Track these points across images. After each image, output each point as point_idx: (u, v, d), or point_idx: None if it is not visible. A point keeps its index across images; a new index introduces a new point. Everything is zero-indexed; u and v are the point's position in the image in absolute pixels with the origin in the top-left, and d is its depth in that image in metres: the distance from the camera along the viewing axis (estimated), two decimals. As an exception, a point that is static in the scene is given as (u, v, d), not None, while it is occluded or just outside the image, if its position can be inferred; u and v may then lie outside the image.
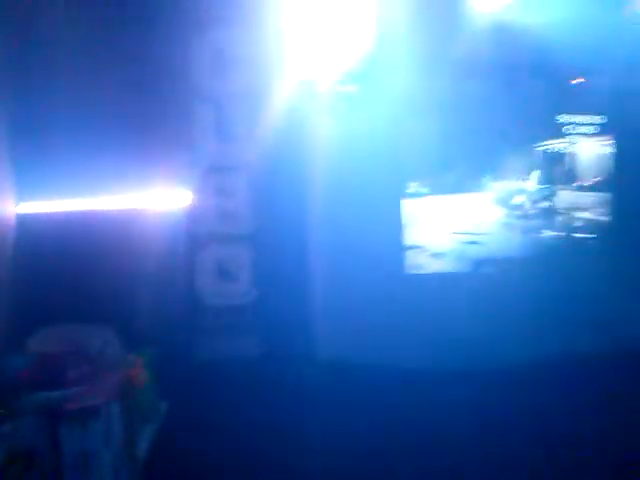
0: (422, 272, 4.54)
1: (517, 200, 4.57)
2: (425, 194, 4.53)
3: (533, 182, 4.53)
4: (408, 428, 3.52)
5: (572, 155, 4.47)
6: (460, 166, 4.44)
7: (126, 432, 2.81)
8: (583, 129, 4.41)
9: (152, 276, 4.19)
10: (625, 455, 2.97)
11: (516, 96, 4.16)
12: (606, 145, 4.44)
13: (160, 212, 4.30)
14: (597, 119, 4.38)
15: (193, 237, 4.35)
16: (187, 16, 4.17)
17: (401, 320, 4.20)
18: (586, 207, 4.49)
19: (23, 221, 4.14)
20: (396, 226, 4.54)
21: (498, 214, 4.53)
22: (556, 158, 4.49)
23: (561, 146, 4.44)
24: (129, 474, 2.73)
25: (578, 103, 4.30)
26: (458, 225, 4.55)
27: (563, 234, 4.56)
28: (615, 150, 4.45)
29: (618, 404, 3.45)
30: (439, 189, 4.50)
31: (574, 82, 4.30)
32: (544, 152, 4.47)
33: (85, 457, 2.48)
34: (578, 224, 4.53)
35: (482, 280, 4.49)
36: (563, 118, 4.39)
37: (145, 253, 4.17)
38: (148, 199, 4.28)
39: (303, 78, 4.23)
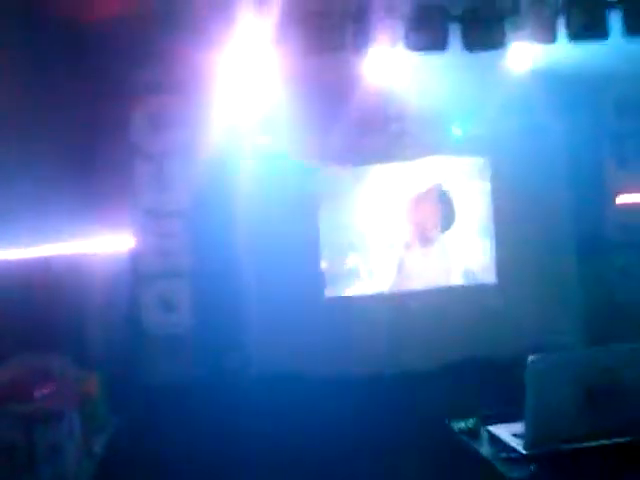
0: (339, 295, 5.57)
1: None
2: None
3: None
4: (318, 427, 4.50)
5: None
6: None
7: (84, 433, 3.69)
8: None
9: (101, 310, 5.09)
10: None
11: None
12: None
13: (106, 254, 5.20)
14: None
15: (137, 275, 5.27)
16: (128, 85, 5.19)
17: (319, 339, 5.20)
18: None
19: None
20: (315, 256, 5.57)
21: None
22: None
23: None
24: (88, 466, 3.59)
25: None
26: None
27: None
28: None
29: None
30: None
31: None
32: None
33: (54, 450, 3.35)
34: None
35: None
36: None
37: (94, 291, 5.07)
38: (95, 243, 5.19)
39: (228, 134, 5.26)
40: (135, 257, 5.19)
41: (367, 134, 5.29)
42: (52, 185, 4.91)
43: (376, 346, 5.12)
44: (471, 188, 5.57)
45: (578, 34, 2.22)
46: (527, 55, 4.57)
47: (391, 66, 4.37)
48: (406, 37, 2.15)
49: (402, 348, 5.15)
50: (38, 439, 3.33)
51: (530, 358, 2.21)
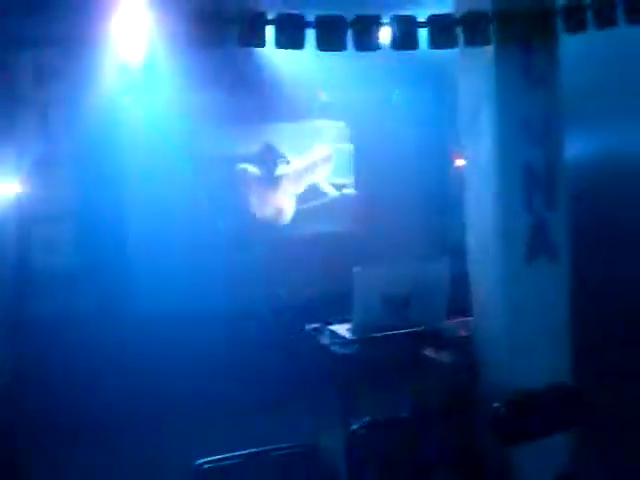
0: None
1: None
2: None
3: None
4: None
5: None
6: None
7: None
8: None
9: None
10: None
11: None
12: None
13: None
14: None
15: (24, 219, 5.84)
16: (13, 37, 5.65)
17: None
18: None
19: None
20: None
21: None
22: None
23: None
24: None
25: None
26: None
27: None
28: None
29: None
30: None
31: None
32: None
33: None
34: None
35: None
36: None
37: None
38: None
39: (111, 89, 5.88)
40: (22, 202, 5.78)
41: (245, 97, 6.17)
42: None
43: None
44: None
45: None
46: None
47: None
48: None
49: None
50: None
51: (354, 269, 3.32)
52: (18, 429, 4.67)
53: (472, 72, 3.46)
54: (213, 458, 2.71)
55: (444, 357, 3.42)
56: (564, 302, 3.46)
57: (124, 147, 6.07)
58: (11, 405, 4.76)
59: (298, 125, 6.64)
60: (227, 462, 2.73)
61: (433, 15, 3.19)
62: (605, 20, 3.37)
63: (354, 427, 2.93)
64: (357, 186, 6.82)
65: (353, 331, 3.49)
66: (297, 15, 3.14)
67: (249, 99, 6.28)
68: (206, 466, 2.67)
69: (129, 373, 5.38)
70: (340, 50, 3.18)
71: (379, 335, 3.44)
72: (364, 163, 6.78)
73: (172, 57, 5.37)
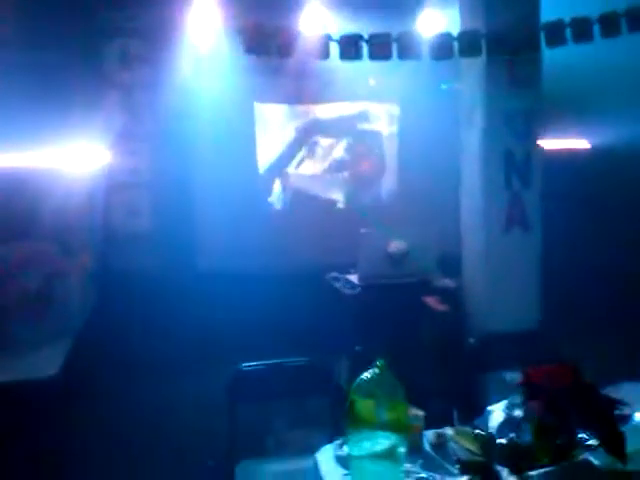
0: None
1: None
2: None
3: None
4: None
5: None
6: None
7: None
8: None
9: (81, 211, 7.03)
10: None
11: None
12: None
13: (85, 168, 7.10)
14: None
15: (109, 185, 7.21)
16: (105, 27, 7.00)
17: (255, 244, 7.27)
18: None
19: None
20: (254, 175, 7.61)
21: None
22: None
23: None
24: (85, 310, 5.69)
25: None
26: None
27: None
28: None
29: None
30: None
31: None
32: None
33: (66, 297, 5.47)
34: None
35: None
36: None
37: (76, 196, 6.99)
38: (76, 158, 7.07)
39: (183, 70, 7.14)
40: (108, 171, 7.17)
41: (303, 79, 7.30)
42: (38, 108, 6.75)
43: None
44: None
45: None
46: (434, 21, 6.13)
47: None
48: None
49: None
50: (56, 288, 5.39)
51: (361, 230, 4.46)
52: (95, 360, 5.95)
53: (468, 77, 4.50)
54: (249, 364, 3.87)
55: (435, 304, 4.53)
56: (535, 265, 4.48)
57: (194, 125, 7.29)
58: (90, 339, 6.10)
59: (348, 105, 7.72)
60: (258, 368, 3.93)
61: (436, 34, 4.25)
62: (582, 35, 4.33)
63: (357, 348, 4.04)
64: (400, 166, 7.83)
65: (359, 278, 4.66)
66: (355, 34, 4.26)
67: (304, 80, 7.38)
68: (244, 368, 3.85)
69: (191, 320, 6.62)
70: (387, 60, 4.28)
71: (379, 282, 4.59)
72: (408, 145, 7.80)
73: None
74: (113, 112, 7.19)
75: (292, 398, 3.91)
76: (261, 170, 7.46)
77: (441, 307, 4.43)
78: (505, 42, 4.19)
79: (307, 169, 7.57)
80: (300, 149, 7.57)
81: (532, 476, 2.45)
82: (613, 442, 2.40)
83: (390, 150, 7.81)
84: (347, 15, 6.08)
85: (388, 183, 7.75)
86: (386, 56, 4.21)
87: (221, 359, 5.45)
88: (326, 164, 7.57)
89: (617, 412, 2.52)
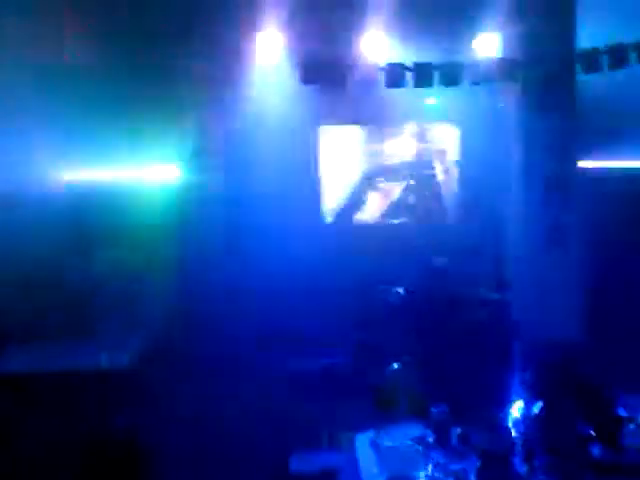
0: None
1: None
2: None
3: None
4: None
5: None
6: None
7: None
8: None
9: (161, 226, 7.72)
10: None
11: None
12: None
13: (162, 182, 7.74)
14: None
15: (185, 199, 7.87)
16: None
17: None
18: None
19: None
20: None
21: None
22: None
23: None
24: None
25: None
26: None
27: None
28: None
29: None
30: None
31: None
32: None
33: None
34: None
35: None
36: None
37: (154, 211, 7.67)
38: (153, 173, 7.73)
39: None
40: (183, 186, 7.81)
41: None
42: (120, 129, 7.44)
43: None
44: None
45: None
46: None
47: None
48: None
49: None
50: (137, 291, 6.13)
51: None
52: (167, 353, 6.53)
53: (509, 102, 4.87)
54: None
55: (480, 315, 4.91)
56: (575, 282, 4.79)
57: (263, 143, 7.80)
58: (164, 336, 6.67)
59: (408, 126, 8.11)
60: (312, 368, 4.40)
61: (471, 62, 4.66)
62: (618, 62, 4.63)
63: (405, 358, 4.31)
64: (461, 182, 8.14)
65: (406, 291, 5.10)
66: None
67: (367, 103, 7.82)
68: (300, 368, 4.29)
69: (255, 323, 7.02)
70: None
71: (424, 294, 5.01)
72: (468, 161, 8.11)
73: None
74: (187, 131, 7.80)
75: (341, 397, 4.34)
76: (323, 194, 7.93)
77: (482, 316, 4.79)
78: (541, 69, 4.52)
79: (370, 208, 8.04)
80: (365, 193, 8.02)
81: (539, 466, 2.83)
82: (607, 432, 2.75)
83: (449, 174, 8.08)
84: (408, 44, 6.45)
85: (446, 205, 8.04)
86: (428, 84, 4.63)
87: (282, 359, 5.99)
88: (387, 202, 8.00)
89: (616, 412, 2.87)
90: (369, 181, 7.92)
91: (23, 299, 5.78)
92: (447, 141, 8.09)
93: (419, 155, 7.95)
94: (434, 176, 7.85)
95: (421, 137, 8.06)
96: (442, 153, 8.04)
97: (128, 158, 7.37)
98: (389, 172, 7.94)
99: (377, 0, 6.24)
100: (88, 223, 7.08)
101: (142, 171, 7.58)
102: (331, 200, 8.00)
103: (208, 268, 7.30)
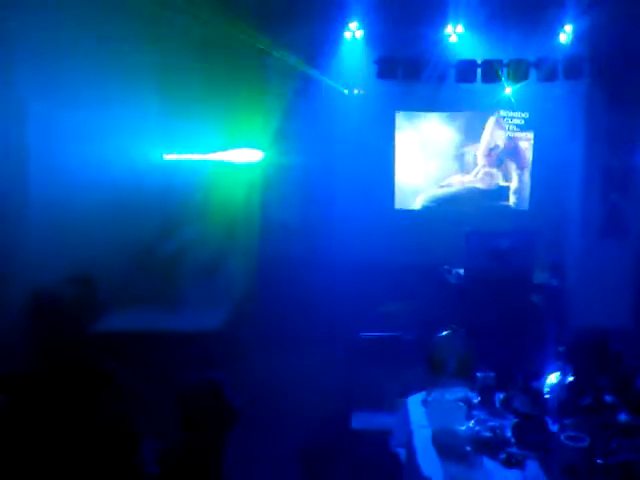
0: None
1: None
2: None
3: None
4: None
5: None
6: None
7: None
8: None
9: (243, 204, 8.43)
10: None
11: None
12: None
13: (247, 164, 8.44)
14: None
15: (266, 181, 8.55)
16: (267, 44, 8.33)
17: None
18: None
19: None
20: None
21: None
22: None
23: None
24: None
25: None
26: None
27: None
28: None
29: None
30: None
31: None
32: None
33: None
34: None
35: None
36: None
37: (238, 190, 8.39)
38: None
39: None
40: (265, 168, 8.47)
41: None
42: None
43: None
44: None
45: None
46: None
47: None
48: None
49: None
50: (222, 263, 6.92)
51: (465, 230, 5.38)
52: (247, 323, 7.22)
53: (571, 97, 5.24)
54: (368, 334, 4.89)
55: (536, 299, 5.33)
56: (629, 270, 5.15)
57: (339, 129, 8.34)
58: (246, 307, 7.36)
59: (485, 113, 8.46)
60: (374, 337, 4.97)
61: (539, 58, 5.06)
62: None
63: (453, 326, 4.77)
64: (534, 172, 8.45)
65: (465, 271, 5.56)
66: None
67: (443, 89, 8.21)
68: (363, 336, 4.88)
69: (324, 301, 7.62)
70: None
71: (483, 276, 5.45)
72: (542, 151, 8.41)
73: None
74: (271, 116, 8.43)
75: (403, 365, 4.87)
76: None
77: (535, 299, 5.21)
78: (608, 65, 4.88)
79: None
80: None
81: (567, 424, 3.30)
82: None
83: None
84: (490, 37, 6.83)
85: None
86: (493, 79, 5.06)
87: (347, 330, 6.57)
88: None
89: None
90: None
91: (123, 270, 6.56)
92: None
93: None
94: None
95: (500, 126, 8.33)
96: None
97: (217, 143, 8.03)
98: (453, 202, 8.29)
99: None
100: (179, 200, 7.75)
101: (229, 154, 8.21)
102: (404, 186, 8.43)
103: (286, 242, 7.91)
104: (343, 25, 7.55)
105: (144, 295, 6.49)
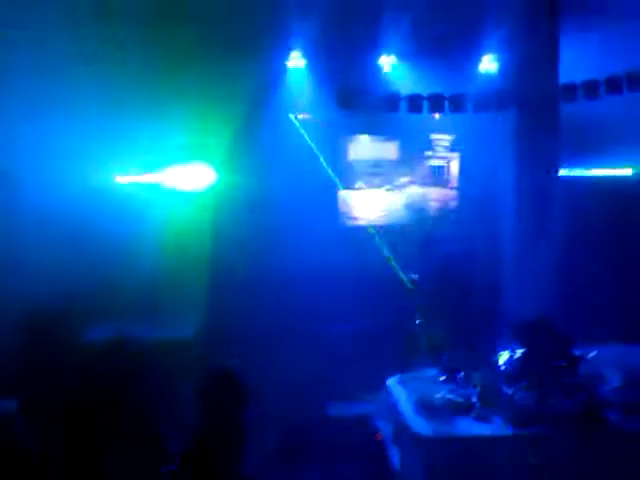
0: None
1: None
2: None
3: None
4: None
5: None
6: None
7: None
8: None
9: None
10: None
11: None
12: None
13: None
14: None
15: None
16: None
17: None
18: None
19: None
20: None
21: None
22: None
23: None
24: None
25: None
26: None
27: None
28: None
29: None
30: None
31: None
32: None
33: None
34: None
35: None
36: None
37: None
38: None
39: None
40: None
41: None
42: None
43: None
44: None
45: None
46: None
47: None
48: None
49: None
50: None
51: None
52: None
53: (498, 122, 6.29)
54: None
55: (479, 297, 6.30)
56: (555, 270, 6.20)
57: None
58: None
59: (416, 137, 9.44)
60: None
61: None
62: (591, 94, 6.06)
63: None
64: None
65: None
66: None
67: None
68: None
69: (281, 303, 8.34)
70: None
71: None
72: (466, 169, 9.43)
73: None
74: (221, 138, 9.05)
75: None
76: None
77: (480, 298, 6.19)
78: (529, 98, 5.93)
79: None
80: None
81: (521, 387, 4.25)
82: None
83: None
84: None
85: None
86: (440, 110, 6.05)
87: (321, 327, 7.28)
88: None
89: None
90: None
91: (104, 285, 7.16)
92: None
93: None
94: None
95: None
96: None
97: (168, 161, 8.57)
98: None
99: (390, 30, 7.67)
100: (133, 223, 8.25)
101: (178, 173, 8.75)
102: (351, 203, 9.26)
103: (245, 260, 8.53)
104: (286, 54, 8.30)
105: (124, 308, 7.06)
